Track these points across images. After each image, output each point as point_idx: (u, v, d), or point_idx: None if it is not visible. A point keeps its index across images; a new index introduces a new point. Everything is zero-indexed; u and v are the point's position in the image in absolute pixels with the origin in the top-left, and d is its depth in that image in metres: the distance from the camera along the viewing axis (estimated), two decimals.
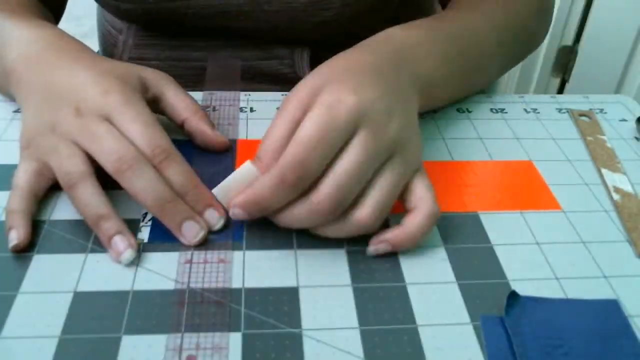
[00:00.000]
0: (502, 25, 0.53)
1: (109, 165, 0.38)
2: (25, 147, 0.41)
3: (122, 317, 0.33)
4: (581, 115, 0.53)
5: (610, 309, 0.35)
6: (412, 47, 0.45)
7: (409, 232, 0.38)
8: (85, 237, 0.38)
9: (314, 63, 0.58)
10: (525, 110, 0.54)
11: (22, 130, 0.42)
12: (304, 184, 0.35)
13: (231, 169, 0.44)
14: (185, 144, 0.45)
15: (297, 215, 0.36)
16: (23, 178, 0.39)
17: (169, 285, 0.36)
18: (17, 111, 0.50)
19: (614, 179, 0.45)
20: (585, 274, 0.38)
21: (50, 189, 0.41)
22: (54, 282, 0.35)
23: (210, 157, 0.46)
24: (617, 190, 0.44)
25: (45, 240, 0.38)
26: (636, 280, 0.38)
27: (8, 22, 0.48)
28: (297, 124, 0.36)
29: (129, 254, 0.37)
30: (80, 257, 0.37)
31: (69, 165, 0.38)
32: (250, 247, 0.38)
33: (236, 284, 0.36)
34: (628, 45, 1.32)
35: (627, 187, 0.44)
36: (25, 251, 0.37)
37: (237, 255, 0.38)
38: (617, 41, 1.32)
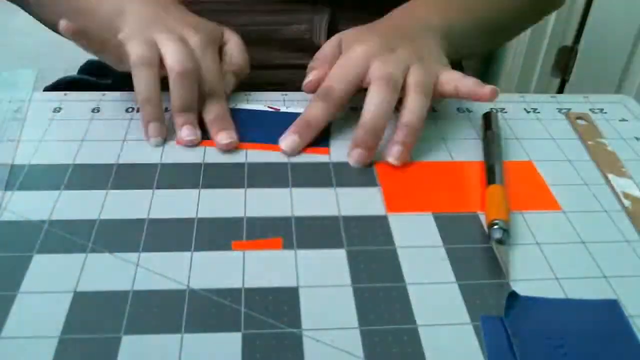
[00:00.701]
0: None
1: (169, 62, 0.46)
2: (129, 38, 0.47)
3: (122, 317, 0.33)
4: (578, 118, 0.53)
5: (611, 309, 0.35)
6: (430, 10, 0.54)
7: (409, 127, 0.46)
8: (85, 237, 0.38)
9: (332, 31, 0.60)
10: (525, 110, 0.54)
11: (129, 24, 0.49)
12: (332, 99, 0.47)
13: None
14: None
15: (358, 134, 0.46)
16: (139, 53, 0.46)
17: (169, 285, 0.36)
18: (17, 111, 0.50)
19: (621, 184, 0.45)
20: (585, 274, 0.38)
21: (49, 188, 0.41)
22: (54, 282, 0.35)
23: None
24: (626, 195, 0.44)
25: (45, 240, 0.38)
26: (636, 280, 0.38)
27: None
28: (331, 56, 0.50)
29: (158, 140, 0.46)
30: (80, 257, 0.37)
31: (143, 50, 0.46)
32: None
33: (236, 284, 0.36)
34: (628, 45, 1.32)
35: (636, 192, 0.44)
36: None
37: (237, 255, 0.38)
38: (617, 41, 1.32)
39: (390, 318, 0.34)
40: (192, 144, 0.47)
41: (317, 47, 0.56)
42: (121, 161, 0.45)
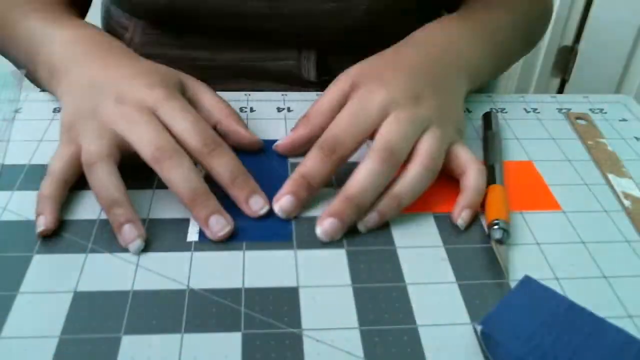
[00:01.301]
0: (513, 22, 0.57)
1: (147, 154, 0.39)
2: (65, 132, 0.42)
3: (122, 317, 0.33)
4: (578, 118, 0.53)
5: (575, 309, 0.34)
6: (453, 40, 0.50)
7: (473, 190, 0.41)
8: (85, 237, 0.38)
9: (321, 65, 0.58)
10: (525, 110, 0.54)
11: (62, 117, 0.43)
12: (338, 156, 0.40)
13: (278, 164, 0.46)
14: None
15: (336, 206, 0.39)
16: (57, 164, 0.40)
17: (169, 285, 0.35)
18: (17, 111, 0.50)
19: (621, 184, 0.45)
20: (585, 274, 0.38)
21: None
22: (54, 282, 0.35)
23: (254, 154, 0.47)
24: (626, 195, 0.44)
25: (45, 240, 0.38)
26: (636, 280, 0.38)
27: (47, 22, 0.50)
28: (337, 103, 0.44)
29: (137, 243, 0.37)
30: (80, 257, 0.37)
31: (94, 145, 0.39)
32: (250, 247, 0.38)
33: (236, 284, 0.36)
34: (628, 45, 1.32)
35: (636, 192, 0.44)
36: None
37: (237, 255, 0.38)
38: (617, 41, 1.32)
39: (390, 318, 0.34)
40: (228, 235, 0.39)
41: (307, 82, 0.54)
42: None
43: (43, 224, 0.38)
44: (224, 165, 0.40)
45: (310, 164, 0.40)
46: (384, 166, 0.39)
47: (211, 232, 0.38)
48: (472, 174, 0.42)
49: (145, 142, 0.39)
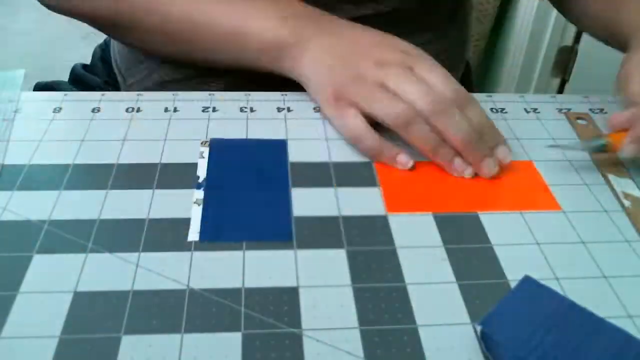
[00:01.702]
0: None
1: (424, 106, 0.43)
2: (338, 99, 0.46)
3: (122, 317, 0.33)
4: (578, 118, 0.53)
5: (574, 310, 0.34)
6: None
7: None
8: (85, 237, 0.38)
9: None
10: (525, 110, 0.54)
11: (326, 86, 0.47)
12: None
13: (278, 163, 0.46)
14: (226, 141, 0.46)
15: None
16: (359, 121, 0.45)
17: (169, 285, 0.36)
18: (17, 111, 0.50)
19: (621, 184, 0.45)
20: (585, 274, 0.38)
21: (49, 188, 0.42)
22: (54, 282, 0.35)
23: (254, 153, 0.46)
24: (626, 196, 0.44)
25: (45, 240, 0.38)
26: (636, 280, 0.38)
27: (228, 5, 0.51)
28: None
29: (469, 171, 0.45)
30: (80, 257, 0.37)
31: (398, 108, 0.43)
32: (250, 247, 0.38)
33: (236, 284, 0.36)
34: None
35: (636, 192, 0.44)
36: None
37: (237, 255, 0.38)
38: None
39: (390, 318, 0.34)
40: (472, 173, 0.45)
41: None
42: (121, 161, 0.45)
43: (407, 159, 0.45)
44: (475, 117, 0.44)
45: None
46: None
47: (483, 173, 0.45)
48: None
49: (421, 100, 0.43)
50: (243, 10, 0.50)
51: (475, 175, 0.45)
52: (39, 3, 0.57)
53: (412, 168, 0.45)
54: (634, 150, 0.45)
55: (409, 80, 0.44)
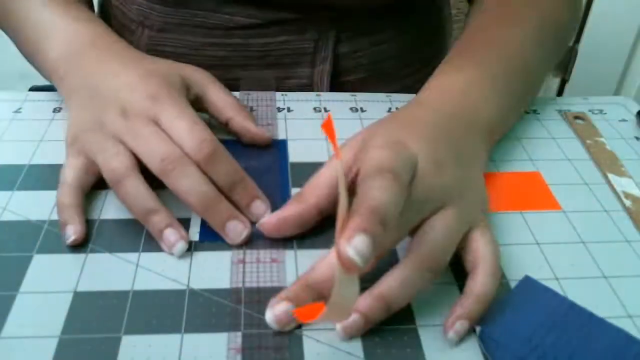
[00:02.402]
0: (541, 31, 0.51)
1: (154, 166, 0.38)
2: (72, 144, 0.42)
3: (122, 317, 0.33)
4: (576, 117, 0.53)
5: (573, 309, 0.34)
6: (469, 95, 0.43)
7: (476, 297, 0.34)
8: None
9: (334, 83, 0.58)
10: (526, 110, 0.54)
11: (69, 127, 0.43)
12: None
13: (278, 164, 0.46)
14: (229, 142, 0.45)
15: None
16: (71, 174, 0.40)
17: (169, 286, 0.36)
18: (17, 111, 0.50)
19: (621, 183, 0.45)
20: (585, 274, 0.38)
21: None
22: (54, 282, 0.35)
23: (254, 154, 0.46)
24: (627, 195, 0.44)
25: (45, 240, 0.38)
26: (636, 280, 0.38)
27: (48, 12, 0.49)
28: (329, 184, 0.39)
29: (181, 245, 0.37)
30: (80, 257, 0.37)
31: (115, 162, 0.39)
32: (250, 247, 0.38)
33: (236, 284, 0.36)
34: (628, 45, 1.32)
35: (636, 192, 0.44)
36: (80, 246, 0.38)
37: (237, 255, 0.38)
38: (617, 41, 1.32)
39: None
40: (247, 239, 0.39)
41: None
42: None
43: (73, 233, 0.38)
44: (221, 171, 0.39)
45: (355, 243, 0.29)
46: (377, 230, 0.30)
47: (230, 239, 0.38)
48: (480, 274, 0.34)
49: (151, 154, 0.39)
50: (42, 24, 0.49)
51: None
52: None
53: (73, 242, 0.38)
54: (463, 330, 0.34)
55: (147, 135, 0.39)
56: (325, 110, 0.52)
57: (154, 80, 0.42)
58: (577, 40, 1.35)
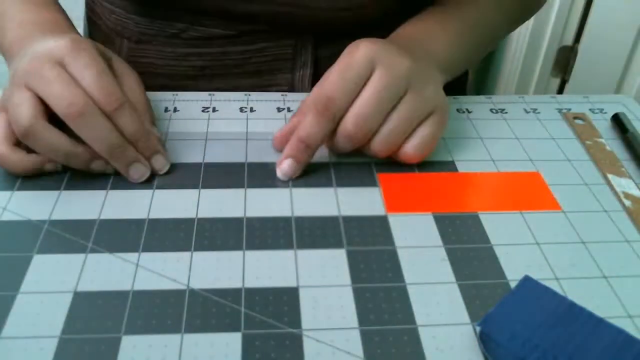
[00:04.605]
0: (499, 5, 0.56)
1: (60, 110, 0.39)
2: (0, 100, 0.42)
3: (122, 317, 0.33)
4: (575, 117, 0.53)
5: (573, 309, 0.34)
6: (428, 37, 0.50)
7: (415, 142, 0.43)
8: (85, 237, 0.38)
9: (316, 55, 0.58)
10: (525, 110, 0.54)
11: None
12: (332, 113, 0.41)
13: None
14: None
15: (334, 142, 0.43)
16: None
17: (169, 285, 0.36)
18: None
19: (621, 184, 0.45)
20: (585, 274, 0.38)
21: (49, 188, 0.42)
22: (54, 282, 0.35)
23: (225, 148, 0.46)
24: (627, 195, 0.44)
25: (45, 240, 0.38)
26: (636, 280, 0.38)
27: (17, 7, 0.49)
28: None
29: (147, 172, 0.43)
30: (80, 257, 0.37)
31: (18, 114, 0.39)
32: (250, 247, 0.38)
33: (236, 284, 0.36)
34: (628, 45, 1.32)
35: (636, 192, 0.44)
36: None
37: (237, 255, 0.38)
38: (617, 41, 1.32)
39: (390, 318, 0.34)
40: (145, 178, 0.43)
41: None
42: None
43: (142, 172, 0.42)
44: (126, 124, 0.41)
45: (305, 126, 0.42)
46: (321, 118, 0.42)
47: (132, 179, 0.42)
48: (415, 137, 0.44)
49: (56, 98, 0.39)
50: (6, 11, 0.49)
51: (467, 176, 0.44)
52: None
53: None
54: (289, 167, 0.43)
55: (52, 78, 0.39)
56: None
57: (70, 35, 0.43)
58: (577, 40, 1.35)
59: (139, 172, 0.42)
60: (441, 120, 0.45)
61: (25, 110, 0.39)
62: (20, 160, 0.41)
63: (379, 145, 0.43)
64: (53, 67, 0.40)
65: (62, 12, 0.52)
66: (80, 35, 0.45)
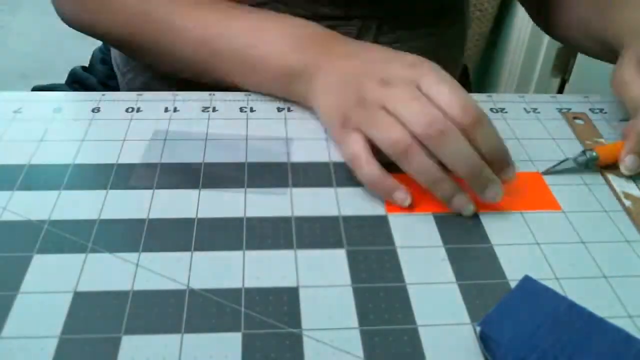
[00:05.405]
0: None
1: (419, 130, 0.39)
2: (344, 125, 0.43)
3: (122, 317, 0.33)
4: (575, 117, 0.53)
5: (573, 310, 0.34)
6: None
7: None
8: (85, 237, 0.38)
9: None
10: (525, 110, 0.54)
11: (332, 113, 0.45)
12: None
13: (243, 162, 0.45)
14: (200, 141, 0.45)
15: None
16: (359, 147, 0.41)
17: (169, 285, 0.36)
18: (17, 111, 0.50)
19: (621, 184, 0.45)
20: (585, 274, 0.38)
21: (49, 188, 0.42)
22: (54, 282, 0.35)
23: (225, 148, 0.46)
24: (627, 195, 0.44)
25: (45, 240, 0.38)
26: (636, 280, 0.38)
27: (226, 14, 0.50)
28: None
29: (470, 208, 0.41)
30: (80, 257, 0.37)
31: (394, 134, 0.39)
32: (250, 246, 0.38)
33: (236, 284, 0.36)
34: None
35: (636, 192, 0.44)
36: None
37: (237, 255, 0.38)
38: None
39: (390, 318, 0.34)
40: (472, 211, 0.41)
41: None
42: (121, 161, 0.45)
43: (405, 196, 0.41)
44: (485, 140, 0.40)
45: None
46: None
47: (485, 200, 0.41)
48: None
49: (415, 119, 0.39)
50: (256, 31, 0.49)
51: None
52: (57, 16, 0.57)
53: (410, 206, 0.41)
54: (635, 162, 0.44)
55: (409, 99, 0.40)
56: None
57: (407, 55, 0.43)
58: None
59: (493, 193, 0.41)
60: None
61: (400, 132, 0.39)
62: (376, 169, 0.41)
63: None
64: (408, 88, 0.40)
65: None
66: None
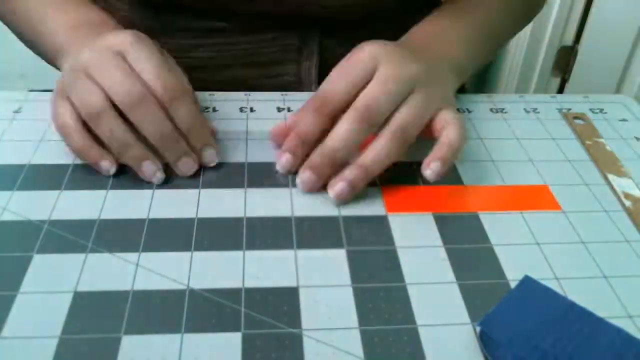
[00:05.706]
0: (505, 5, 0.57)
1: (118, 98, 0.40)
2: (58, 92, 0.44)
3: (122, 317, 0.33)
4: (575, 117, 0.53)
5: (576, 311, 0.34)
6: (441, 40, 0.50)
7: (448, 145, 0.41)
8: (85, 237, 0.38)
9: (323, 77, 0.58)
10: (525, 110, 0.54)
11: (57, 84, 0.45)
12: (328, 110, 0.42)
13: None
14: None
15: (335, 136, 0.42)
16: (67, 116, 0.42)
17: (169, 285, 0.35)
18: (17, 111, 0.50)
19: (621, 184, 0.45)
20: (585, 274, 0.38)
21: (49, 188, 0.42)
22: (54, 282, 0.35)
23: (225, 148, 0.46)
24: (627, 196, 0.44)
25: (45, 240, 0.38)
26: (636, 280, 0.38)
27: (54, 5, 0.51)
28: None
29: (159, 175, 0.42)
30: (80, 257, 0.37)
31: (89, 98, 0.41)
32: (250, 246, 0.38)
33: (236, 284, 0.36)
34: (628, 45, 1.32)
35: (636, 192, 0.44)
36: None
37: (237, 255, 0.38)
38: (617, 41, 1.32)
39: (390, 318, 0.34)
40: (193, 172, 0.43)
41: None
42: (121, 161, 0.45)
43: (110, 166, 0.42)
44: (182, 115, 0.42)
45: (302, 122, 0.43)
46: (361, 125, 0.41)
47: (180, 172, 0.43)
48: (449, 129, 0.42)
49: (115, 87, 0.40)
50: (48, 13, 0.51)
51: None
52: None
53: (114, 173, 0.43)
54: (287, 162, 0.43)
55: (113, 68, 0.41)
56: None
57: (141, 36, 0.44)
58: (577, 40, 1.35)
59: (187, 165, 0.43)
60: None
61: (96, 96, 0.40)
62: (82, 138, 0.42)
63: (388, 140, 0.41)
64: (114, 57, 0.41)
65: (105, 10, 0.53)
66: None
